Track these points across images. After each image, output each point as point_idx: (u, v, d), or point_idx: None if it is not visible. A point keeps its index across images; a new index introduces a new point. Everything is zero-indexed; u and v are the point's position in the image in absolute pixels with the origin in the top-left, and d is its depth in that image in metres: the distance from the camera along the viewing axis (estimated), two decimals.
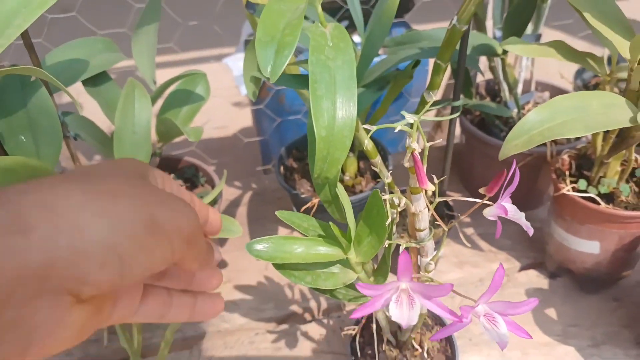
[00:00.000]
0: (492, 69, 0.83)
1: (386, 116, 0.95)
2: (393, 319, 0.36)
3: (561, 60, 0.55)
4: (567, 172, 0.69)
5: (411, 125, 0.37)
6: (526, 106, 0.84)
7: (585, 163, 0.71)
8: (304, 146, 0.87)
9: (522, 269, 0.78)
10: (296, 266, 0.44)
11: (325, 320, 0.72)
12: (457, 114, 0.64)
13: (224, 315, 0.74)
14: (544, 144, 0.77)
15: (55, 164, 0.56)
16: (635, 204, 0.65)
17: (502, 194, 0.40)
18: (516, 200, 0.88)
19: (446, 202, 0.76)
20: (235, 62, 1.24)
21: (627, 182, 0.67)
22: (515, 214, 0.41)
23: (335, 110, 0.44)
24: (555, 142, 0.77)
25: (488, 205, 0.42)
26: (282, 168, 0.82)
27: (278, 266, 0.44)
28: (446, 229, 0.41)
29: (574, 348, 0.67)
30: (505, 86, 0.81)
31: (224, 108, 1.19)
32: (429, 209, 0.43)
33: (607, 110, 0.46)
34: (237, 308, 0.75)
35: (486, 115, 0.83)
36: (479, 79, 0.91)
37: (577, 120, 0.45)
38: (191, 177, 0.75)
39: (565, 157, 0.71)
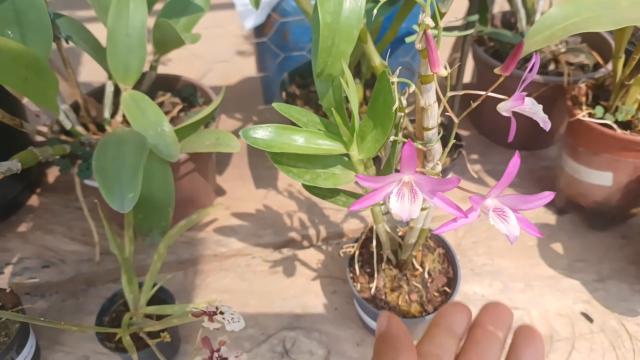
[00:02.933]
0: None
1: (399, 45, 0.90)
2: (393, 211, 0.34)
3: None
4: (583, 101, 0.66)
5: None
6: None
7: (602, 94, 0.67)
8: (308, 72, 0.84)
9: None
10: (295, 163, 0.42)
11: (324, 247, 0.70)
12: (472, 30, 0.61)
13: (220, 240, 0.72)
14: (561, 74, 0.73)
15: (47, 62, 0.53)
16: None
17: (521, 84, 0.37)
18: (527, 138, 0.85)
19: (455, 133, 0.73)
20: None
21: None
22: (533, 107, 0.38)
23: None
24: (571, 73, 0.74)
25: (503, 99, 0.39)
26: (284, 94, 0.79)
27: (275, 160, 0.41)
28: (456, 120, 0.38)
29: (579, 282, 0.65)
30: (522, 14, 0.76)
31: (228, 57, 1.15)
32: (439, 103, 0.40)
33: (638, 9, 0.43)
34: (235, 233, 0.73)
35: (501, 45, 0.79)
36: (496, 10, 0.87)
37: (604, 16, 0.41)
38: (189, 97, 0.72)
39: (582, 85, 0.67)
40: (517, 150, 0.33)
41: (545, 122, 0.39)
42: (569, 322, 0.61)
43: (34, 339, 0.58)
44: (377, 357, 0.28)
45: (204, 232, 0.73)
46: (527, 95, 0.78)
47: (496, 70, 0.36)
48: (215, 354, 0.28)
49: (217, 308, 0.30)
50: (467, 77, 1.02)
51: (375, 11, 0.36)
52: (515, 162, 0.33)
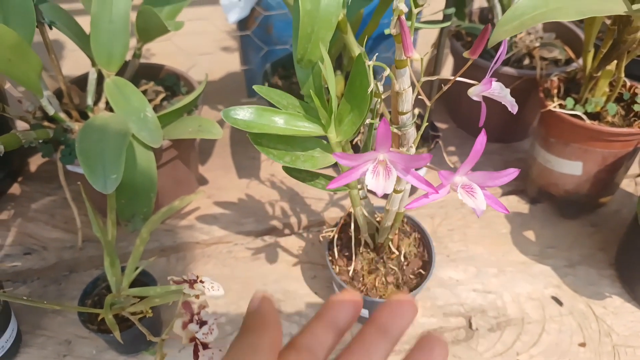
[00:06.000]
0: None
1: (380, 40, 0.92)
2: (369, 187, 0.36)
3: None
4: (555, 93, 0.68)
5: None
6: (518, 35, 0.83)
7: (573, 87, 0.70)
8: (291, 64, 0.85)
9: (504, 194, 0.78)
10: (275, 144, 0.43)
11: (305, 234, 0.72)
12: (448, 22, 0.63)
13: (202, 228, 0.73)
14: (534, 67, 0.76)
15: (29, 45, 0.53)
16: (620, 125, 0.65)
17: (490, 70, 0.39)
18: (503, 130, 0.87)
19: (432, 123, 0.75)
20: None
21: (615, 104, 0.66)
22: (501, 92, 0.40)
23: None
24: (545, 68, 0.76)
25: (474, 84, 0.40)
26: (266, 85, 0.80)
27: (256, 141, 0.42)
28: (429, 104, 0.40)
29: (549, 267, 0.68)
30: (499, 9, 0.79)
31: (212, 52, 1.16)
32: (414, 87, 0.42)
33: (602, 1, 0.45)
34: (217, 221, 0.74)
35: None
36: (475, 6, 0.89)
37: (570, 7, 0.44)
38: (172, 86, 0.73)
39: (555, 78, 0.70)
40: (483, 129, 0.35)
41: (512, 106, 0.41)
42: (539, 306, 0.64)
43: (15, 323, 0.58)
44: (243, 332, 0.27)
45: (187, 220, 0.74)
46: None
47: (465, 54, 0.38)
48: (196, 317, 0.29)
49: (197, 276, 0.31)
50: (447, 72, 1.04)
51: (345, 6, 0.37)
52: (482, 139, 0.35)
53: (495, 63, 0.38)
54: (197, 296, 0.30)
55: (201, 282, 0.31)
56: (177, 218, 0.74)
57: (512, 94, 0.81)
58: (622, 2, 0.45)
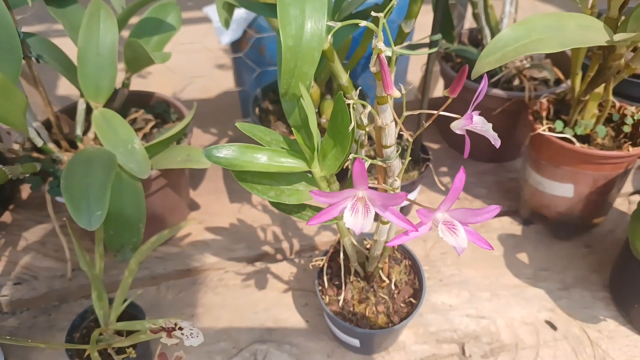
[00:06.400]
0: (476, 15, 0.81)
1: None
2: (347, 225, 0.35)
3: None
4: (544, 115, 0.68)
5: (377, 24, 0.36)
6: None
7: (563, 108, 0.70)
8: None
9: (496, 215, 0.78)
10: (259, 180, 0.43)
11: (296, 260, 0.71)
12: (436, 48, 0.63)
13: (193, 255, 0.72)
14: (523, 89, 0.76)
15: (16, 82, 0.53)
16: (610, 147, 0.65)
17: (471, 105, 0.39)
18: (495, 150, 0.87)
19: (423, 146, 0.75)
20: (216, 11, 1.20)
21: (604, 125, 0.66)
22: (483, 126, 0.40)
23: (304, 19, 0.42)
24: (535, 88, 0.76)
25: (456, 118, 0.40)
26: (257, 109, 0.80)
27: (240, 177, 0.42)
28: (411, 139, 0.40)
29: (543, 290, 0.67)
30: (487, 32, 0.79)
31: (207, 70, 1.17)
32: (396, 122, 0.42)
33: (584, 31, 0.45)
34: (208, 248, 0.73)
35: (467, 62, 0.81)
36: (466, 26, 0.90)
37: (552, 38, 0.44)
38: (162, 113, 0.73)
39: (544, 100, 0.70)
40: (462, 167, 0.35)
41: (495, 140, 0.40)
42: (533, 330, 0.63)
43: (3, 357, 0.58)
44: None
45: (178, 247, 0.73)
46: (493, 110, 0.81)
47: (444, 93, 0.38)
48: None
49: (175, 324, 0.31)
50: (439, 91, 1.04)
51: (330, 37, 0.37)
52: (460, 177, 0.35)
53: (477, 99, 0.38)
54: (175, 344, 0.30)
55: (180, 329, 0.31)
56: (168, 245, 0.74)
57: (502, 115, 0.81)
58: (604, 32, 0.46)
